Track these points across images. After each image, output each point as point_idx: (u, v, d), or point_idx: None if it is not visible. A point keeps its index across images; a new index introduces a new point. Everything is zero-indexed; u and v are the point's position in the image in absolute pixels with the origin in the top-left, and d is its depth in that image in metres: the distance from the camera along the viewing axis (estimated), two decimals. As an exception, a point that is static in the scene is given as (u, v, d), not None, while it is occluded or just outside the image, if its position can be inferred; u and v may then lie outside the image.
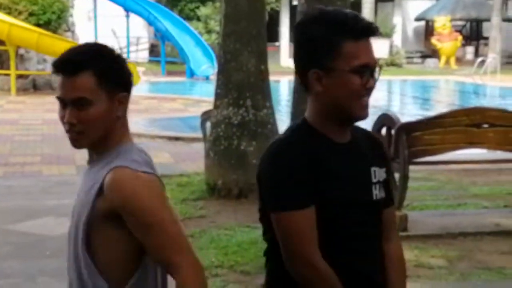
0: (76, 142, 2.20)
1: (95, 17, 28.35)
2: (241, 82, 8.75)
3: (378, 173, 2.35)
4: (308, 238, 2.20)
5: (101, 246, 2.16)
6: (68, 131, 2.15)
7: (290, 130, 2.40)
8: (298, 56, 2.25)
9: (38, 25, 19.70)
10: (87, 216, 2.14)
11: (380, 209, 2.36)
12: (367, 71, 2.18)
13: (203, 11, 30.18)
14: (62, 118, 2.11)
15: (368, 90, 2.21)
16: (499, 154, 8.40)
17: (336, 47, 2.15)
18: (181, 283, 2.12)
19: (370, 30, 2.21)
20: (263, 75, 8.97)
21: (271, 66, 9.65)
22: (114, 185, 2.09)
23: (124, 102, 2.19)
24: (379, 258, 2.40)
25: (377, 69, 2.23)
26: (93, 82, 2.11)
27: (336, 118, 2.27)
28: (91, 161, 2.31)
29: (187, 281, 2.13)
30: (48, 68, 20.35)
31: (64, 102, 2.12)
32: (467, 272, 6.29)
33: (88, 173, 2.29)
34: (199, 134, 10.23)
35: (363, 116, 2.26)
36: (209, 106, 9.89)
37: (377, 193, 2.34)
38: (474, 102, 20.73)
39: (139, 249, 2.13)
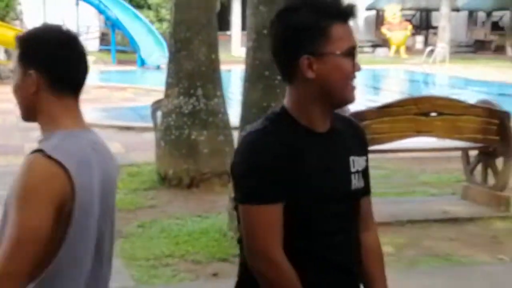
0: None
1: (44, 5, 28.11)
2: (192, 71, 8.76)
3: (357, 162, 2.33)
4: (271, 234, 2.18)
5: None
6: None
7: (269, 120, 2.31)
8: (284, 44, 2.19)
9: None
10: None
11: (358, 198, 2.35)
12: (354, 53, 2.19)
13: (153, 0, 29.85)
14: None
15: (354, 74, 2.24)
16: (448, 142, 8.45)
17: (325, 31, 2.14)
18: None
19: (353, 13, 2.22)
20: (214, 64, 8.98)
21: (222, 55, 9.68)
22: (20, 168, 2.09)
23: (35, 81, 2.15)
24: (356, 248, 2.39)
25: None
26: (18, 57, 2.19)
27: (325, 104, 2.23)
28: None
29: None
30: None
31: None
32: (415, 259, 6.37)
33: None
34: (150, 124, 10.26)
35: (353, 99, 2.25)
36: (160, 96, 9.95)
37: (356, 182, 2.32)
38: (424, 91, 21.10)
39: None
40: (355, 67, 2.18)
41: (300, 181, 2.18)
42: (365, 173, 2.38)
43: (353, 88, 2.21)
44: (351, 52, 2.15)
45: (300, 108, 2.22)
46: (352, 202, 2.33)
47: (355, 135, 2.41)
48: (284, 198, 2.16)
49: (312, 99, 2.20)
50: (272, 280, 2.19)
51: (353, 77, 2.19)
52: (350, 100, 2.24)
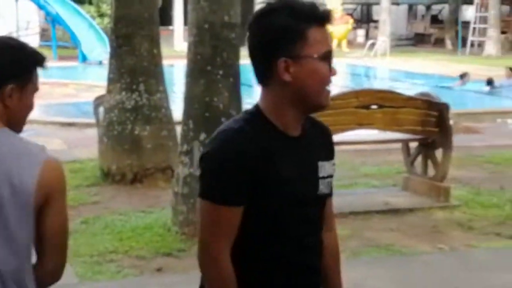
0: None
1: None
2: (134, 66, 8.69)
3: (324, 168, 2.32)
4: (223, 234, 2.18)
5: None
6: None
7: (244, 120, 2.30)
8: (261, 46, 2.18)
9: None
10: None
11: (324, 202, 2.36)
12: (331, 58, 2.20)
13: None
14: None
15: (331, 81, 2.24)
16: (388, 135, 8.51)
17: (303, 34, 2.13)
18: None
19: (330, 17, 2.21)
20: (156, 59, 8.94)
21: (164, 50, 9.71)
22: None
23: None
24: (319, 248, 2.41)
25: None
26: None
27: (299, 107, 2.23)
28: None
29: None
30: None
31: None
32: (358, 250, 6.40)
33: None
34: (92, 120, 10.19)
35: (327, 104, 2.26)
36: (102, 91, 9.83)
37: (323, 188, 2.31)
38: (365, 84, 21.47)
39: None
40: (331, 72, 2.18)
41: (272, 185, 2.19)
42: (331, 178, 2.39)
43: (328, 93, 2.22)
44: (327, 56, 2.15)
45: (275, 111, 2.22)
46: (319, 206, 2.33)
47: (323, 137, 2.41)
48: (246, 201, 2.17)
49: (287, 102, 2.20)
50: (210, 277, 2.23)
51: (329, 81, 2.19)
52: (325, 105, 2.25)
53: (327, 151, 2.34)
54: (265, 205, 2.18)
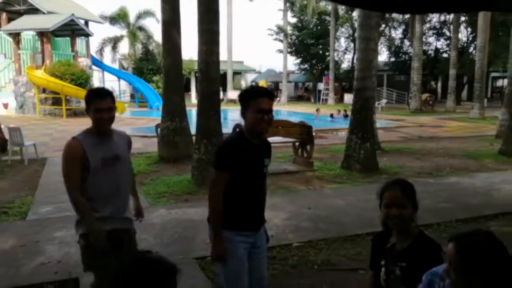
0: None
1: (103, 82, 30.55)
2: (173, 110, 9.70)
3: (266, 161, 2.60)
4: (220, 184, 2.47)
5: None
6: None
7: (234, 135, 2.66)
8: (241, 105, 2.48)
9: (75, 84, 21.18)
10: None
11: (265, 177, 2.68)
12: (264, 112, 2.42)
13: (155, 78, 32.58)
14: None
15: (266, 121, 2.46)
16: (286, 139, 9.26)
17: (251, 100, 2.43)
18: None
19: (267, 93, 2.50)
20: (183, 106, 9.81)
21: (186, 103, 10.28)
22: None
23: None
24: (264, 195, 2.68)
25: (273, 113, 2.49)
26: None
27: (251, 132, 2.48)
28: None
29: None
30: (82, 104, 21.74)
31: None
32: (274, 190, 6.77)
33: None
34: (155, 134, 10.80)
35: (262, 132, 2.50)
36: (158, 121, 10.42)
37: (265, 171, 2.63)
38: (276, 117, 22.49)
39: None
40: (264, 118, 2.42)
41: (243, 165, 2.46)
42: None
43: (263, 126, 2.45)
44: (261, 111, 2.40)
45: (247, 132, 2.50)
46: (263, 179, 2.66)
47: (268, 147, 2.68)
48: (231, 171, 2.45)
49: (248, 129, 2.49)
50: (211, 205, 2.51)
51: (263, 122, 2.41)
52: (260, 132, 2.50)
53: (268, 153, 2.63)
54: (239, 174, 2.45)
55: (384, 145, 11.64)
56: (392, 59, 38.64)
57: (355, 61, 9.81)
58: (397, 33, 39.57)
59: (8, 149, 9.74)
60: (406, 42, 37.41)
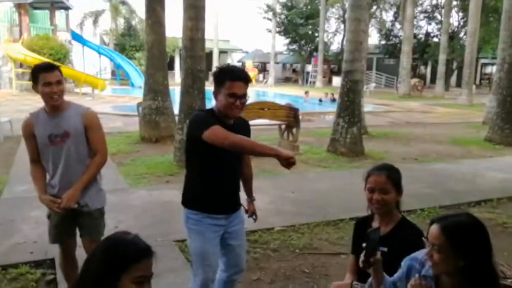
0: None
1: (83, 57, 30.56)
2: (155, 89, 9.68)
3: None
4: (223, 131, 2.28)
5: None
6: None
7: (204, 111, 2.54)
8: (214, 84, 2.42)
9: (54, 60, 20.11)
10: None
11: (240, 159, 2.62)
12: (237, 97, 2.36)
13: (137, 55, 33.02)
14: None
15: (238, 106, 2.38)
16: (272, 122, 9.26)
17: (226, 82, 2.36)
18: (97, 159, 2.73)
19: (243, 77, 2.41)
20: (166, 85, 9.79)
21: (170, 81, 10.25)
22: None
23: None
24: (239, 170, 2.62)
25: (247, 96, 2.42)
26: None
27: (221, 114, 2.41)
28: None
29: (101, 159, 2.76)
30: None
31: None
32: (258, 173, 5.96)
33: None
34: (136, 113, 10.75)
35: (232, 116, 2.42)
36: (140, 100, 10.36)
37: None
38: (262, 98, 22.22)
39: None
40: (235, 102, 2.35)
41: (210, 144, 2.33)
42: None
43: (235, 109, 2.38)
44: (232, 95, 2.33)
45: (217, 111, 2.46)
46: (236, 160, 2.56)
47: (245, 126, 2.63)
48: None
49: (219, 109, 2.43)
50: (236, 139, 2.28)
51: (234, 106, 2.35)
52: (232, 116, 2.41)
53: (244, 133, 2.44)
54: (207, 154, 2.39)
55: (371, 130, 11.70)
56: (383, 42, 38.68)
57: (344, 42, 9.78)
58: (388, 16, 39.67)
59: (-18, 126, 9.59)
60: (397, 25, 37.49)
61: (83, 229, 2.90)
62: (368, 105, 15.87)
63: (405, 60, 26.65)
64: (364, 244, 1.90)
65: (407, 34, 26.65)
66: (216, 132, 2.22)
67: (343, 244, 4.41)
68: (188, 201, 2.53)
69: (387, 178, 2.18)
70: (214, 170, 2.41)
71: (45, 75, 2.55)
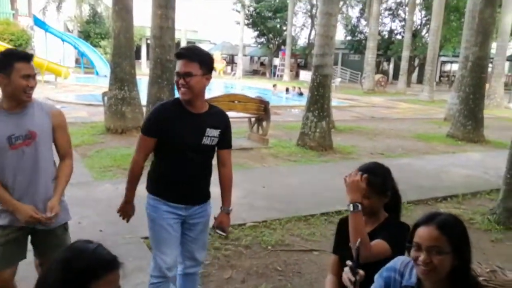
0: None
1: (46, 44, 28.33)
2: (122, 78, 9.38)
3: (209, 132, 2.40)
4: (144, 150, 2.43)
5: None
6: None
7: (170, 100, 2.52)
8: None
9: (15, 46, 20.35)
10: None
11: (209, 150, 2.45)
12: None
13: (102, 43, 32.30)
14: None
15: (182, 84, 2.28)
16: (242, 114, 8.96)
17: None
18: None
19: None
20: (133, 75, 9.51)
21: (137, 71, 9.90)
22: None
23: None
24: (201, 176, 2.50)
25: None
26: None
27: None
28: None
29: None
30: None
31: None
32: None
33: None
34: (101, 103, 10.53)
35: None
36: (106, 89, 10.11)
37: (208, 142, 2.42)
38: (231, 91, 22.75)
39: None
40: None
41: (171, 133, 2.36)
42: (220, 137, 2.45)
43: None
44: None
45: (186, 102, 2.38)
46: (203, 150, 2.43)
47: (219, 118, 2.49)
48: (156, 137, 2.37)
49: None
50: (130, 166, 2.50)
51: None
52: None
53: (217, 124, 2.43)
54: (169, 143, 2.38)
55: (338, 124, 11.72)
56: (348, 38, 39.14)
57: (315, 36, 9.72)
58: (354, 12, 40.10)
59: None
60: (363, 22, 37.97)
61: (41, 248, 2.47)
62: (334, 100, 15.95)
63: (370, 56, 27.01)
64: (349, 262, 1.75)
65: (372, 31, 26.98)
66: (137, 146, 2.43)
67: (315, 240, 4.40)
68: (148, 185, 2.51)
69: (368, 183, 2.03)
70: (172, 159, 2.38)
71: (23, 66, 2.16)
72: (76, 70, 30.02)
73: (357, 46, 37.94)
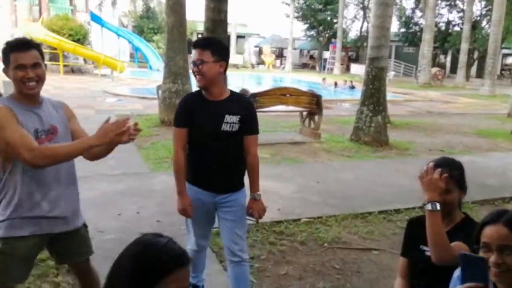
0: None
1: (102, 39, 30.25)
2: (175, 71, 9.51)
3: (228, 118, 2.44)
4: (179, 142, 2.52)
5: None
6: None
7: (191, 92, 2.69)
8: None
9: (73, 40, 21.52)
10: None
11: (227, 136, 2.45)
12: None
13: (155, 37, 33.23)
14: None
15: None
16: (293, 108, 8.91)
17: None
18: None
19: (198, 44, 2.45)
20: (186, 68, 9.57)
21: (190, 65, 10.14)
22: None
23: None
24: (226, 166, 2.53)
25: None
26: None
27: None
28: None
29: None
30: (79, 61, 23.63)
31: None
32: (280, 160, 6.92)
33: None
34: (155, 96, 10.66)
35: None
36: (160, 83, 10.19)
37: (229, 128, 2.45)
38: (281, 84, 22.59)
39: None
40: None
41: (195, 122, 2.47)
42: (240, 124, 2.45)
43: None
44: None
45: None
46: (224, 137, 2.46)
47: (240, 104, 2.51)
48: (187, 127, 2.47)
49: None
50: (173, 158, 2.59)
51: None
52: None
53: (237, 110, 2.45)
54: (195, 131, 2.49)
55: (393, 119, 11.33)
56: (402, 30, 37.81)
57: (370, 28, 9.41)
58: (408, 3, 38.72)
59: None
60: (418, 13, 36.56)
61: (66, 252, 2.33)
62: (388, 94, 15.46)
63: (426, 48, 25.96)
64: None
65: (428, 22, 25.90)
66: (173, 139, 2.55)
67: (374, 239, 4.22)
68: (185, 172, 2.60)
69: (451, 177, 1.91)
70: (196, 149, 2.49)
71: (18, 56, 1.95)
72: (130, 64, 30.89)
73: (411, 38, 36.63)
